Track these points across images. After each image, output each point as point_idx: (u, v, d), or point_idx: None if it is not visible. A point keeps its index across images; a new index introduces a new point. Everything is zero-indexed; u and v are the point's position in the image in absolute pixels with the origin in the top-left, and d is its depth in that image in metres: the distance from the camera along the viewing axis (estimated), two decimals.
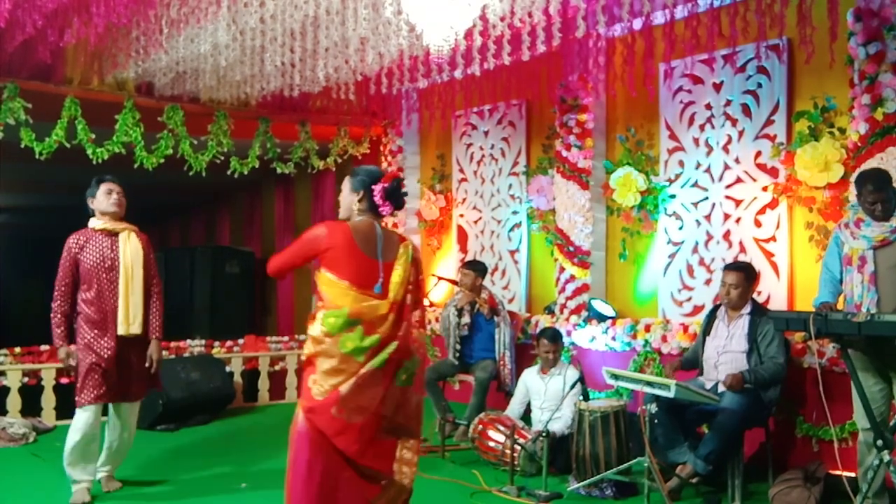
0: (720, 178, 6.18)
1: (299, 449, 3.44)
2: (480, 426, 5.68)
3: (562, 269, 7.07)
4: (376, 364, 3.41)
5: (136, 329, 4.90)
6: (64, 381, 7.34)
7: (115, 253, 4.92)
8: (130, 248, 4.96)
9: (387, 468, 3.54)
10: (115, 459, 5.17)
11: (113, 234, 4.95)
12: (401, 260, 3.63)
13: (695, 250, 6.35)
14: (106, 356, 4.83)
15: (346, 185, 3.75)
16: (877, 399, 4.22)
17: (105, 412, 5.02)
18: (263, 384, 8.26)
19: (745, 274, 5.09)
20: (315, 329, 3.46)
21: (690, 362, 5.33)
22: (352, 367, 3.39)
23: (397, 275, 3.58)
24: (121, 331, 4.86)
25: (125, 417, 5.08)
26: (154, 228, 16.87)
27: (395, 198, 3.73)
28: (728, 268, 5.17)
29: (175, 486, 5.25)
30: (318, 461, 3.42)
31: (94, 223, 4.94)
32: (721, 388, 4.89)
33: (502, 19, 4.99)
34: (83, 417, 4.84)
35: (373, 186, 3.64)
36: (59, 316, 4.87)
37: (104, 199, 4.93)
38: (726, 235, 6.14)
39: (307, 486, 3.40)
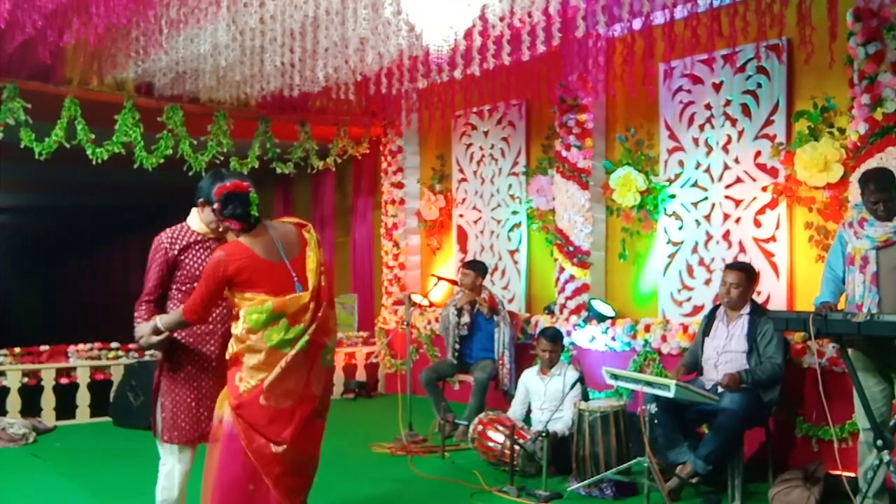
0: (720, 178, 6.18)
1: (226, 450, 3.48)
2: (480, 426, 5.68)
3: (561, 269, 7.07)
4: (300, 347, 3.46)
5: None
6: (64, 381, 7.35)
7: None
8: None
9: (316, 451, 3.64)
10: None
11: (218, 241, 3.94)
12: (310, 245, 3.65)
13: (694, 250, 6.35)
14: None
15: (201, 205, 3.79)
16: (878, 399, 4.22)
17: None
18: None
19: (746, 274, 5.10)
20: (238, 328, 3.47)
21: (690, 365, 5.32)
22: (277, 359, 3.44)
23: (311, 261, 3.60)
24: None
25: None
26: (154, 229, 16.86)
27: (236, 212, 3.57)
28: (729, 267, 5.18)
29: None
30: (246, 466, 3.46)
31: (196, 225, 3.92)
32: (721, 388, 4.89)
33: (502, 19, 4.99)
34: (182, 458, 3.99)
35: (214, 203, 3.62)
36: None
37: (208, 218, 3.86)
38: (726, 235, 6.14)
39: (231, 489, 3.47)
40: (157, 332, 3.70)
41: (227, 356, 3.55)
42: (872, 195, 4.23)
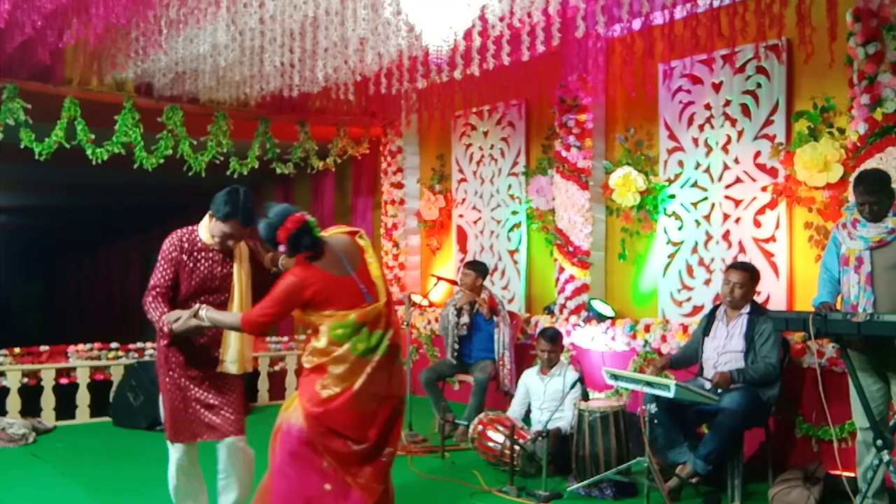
0: (719, 179, 6.18)
1: (294, 453, 3.56)
2: (480, 426, 5.68)
3: (561, 270, 7.07)
4: (381, 352, 3.59)
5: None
6: (63, 381, 7.35)
7: (224, 273, 4.03)
8: (245, 271, 4.09)
9: (396, 447, 3.77)
10: None
11: (222, 252, 4.05)
12: (367, 252, 3.73)
13: (694, 250, 6.35)
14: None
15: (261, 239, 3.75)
16: (875, 398, 4.23)
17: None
18: (263, 384, 8.27)
19: (749, 274, 5.11)
20: (321, 342, 3.55)
21: (680, 362, 5.32)
22: (362, 366, 3.56)
23: (374, 268, 3.70)
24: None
25: None
26: (154, 229, 16.87)
27: (299, 246, 3.60)
28: (733, 267, 5.19)
29: None
30: (314, 469, 3.55)
31: (204, 234, 3.99)
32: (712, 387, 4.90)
33: (501, 19, 4.99)
34: None
35: (278, 246, 3.62)
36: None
37: (219, 235, 3.95)
38: (726, 235, 6.14)
39: (298, 491, 3.53)
40: (197, 318, 3.75)
41: (306, 366, 3.62)
42: (860, 196, 4.27)
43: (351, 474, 3.55)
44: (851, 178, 5.08)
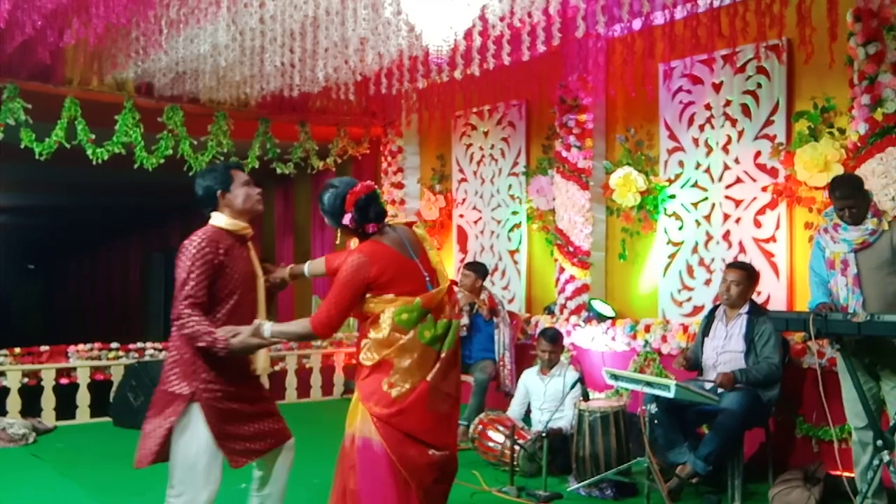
0: (720, 179, 6.18)
1: (370, 468, 3.18)
2: (480, 426, 5.68)
3: (562, 270, 7.07)
4: (449, 345, 3.29)
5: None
6: (64, 381, 7.35)
7: (252, 270, 3.66)
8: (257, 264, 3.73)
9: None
10: None
11: (244, 241, 3.65)
12: (426, 242, 3.50)
13: (694, 250, 6.35)
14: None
15: (329, 221, 3.49)
16: (867, 398, 4.23)
17: None
18: (263, 384, 8.25)
19: (746, 273, 5.12)
20: (382, 331, 3.23)
21: (693, 363, 5.32)
22: (430, 357, 3.23)
23: (434, 255, 3.46)
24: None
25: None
26: (154, 229, 16.88)
27: (366, 214, 3.36)
28: (730, 266, 5.21)
29: None
30: (405, 483, 3.18)
31: (226, 223, 3.57)
32: (715, 387, 4.89)
33: (502, 19, 4.99)
34: None
35: (343, 217, 3.37)
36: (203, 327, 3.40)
37: (242, 193, 3.60)
38: (726, 236, 6.14)
39: None
40: (259, 335, 3.36)
41: (365, 363, 3.27)
42: (838, 202, 4.32)
43: (423, 488, 3.19)
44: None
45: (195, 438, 3.40)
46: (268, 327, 3.35)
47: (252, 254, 3.66)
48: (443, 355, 3.25)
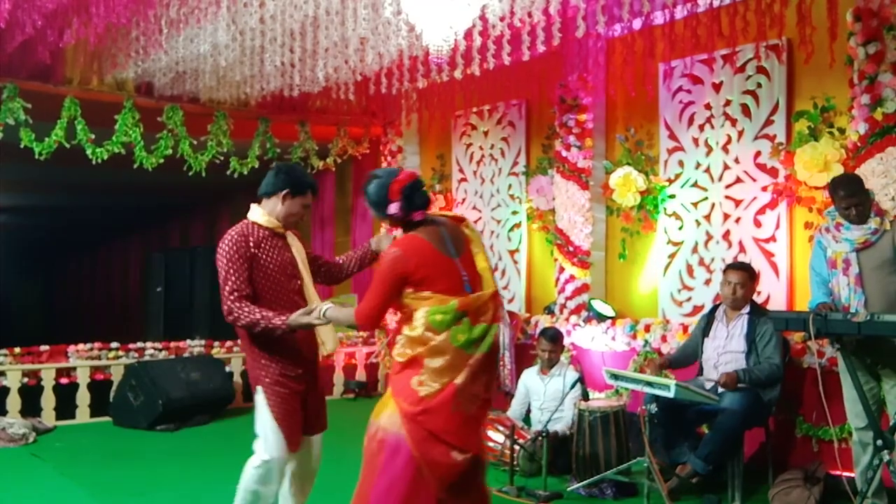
0: (720, 178, 6.18)
1: (397, 464, 3.18)
2: None
3: (561, 269, 7.07)
4: (484, 349, 3.24)
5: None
6: (64, 381, 7.35)
7: (290, 257, 3.81)
8: (298, 250, 3.88)
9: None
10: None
11: (281, 236, 3.81)
12: (474, 242, 3.42)
13: (694, 250, 6.35)
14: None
15: (372, 210, 3.43)
16: (868, 398, 4.23)
17: None
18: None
19: (748, 273, 5.13)
20: (416, 329, 3.21)
21: (679, 361, 5.33)
22: (462, 359, 3.20)
23: (481, 259, 3.39)
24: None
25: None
26: (154, 229, 16.89)
27: (412, 203, 3.34)
28: (732, 267, 5.19)
29: (175, 487, 5.24)
30: (421, 481, 3.17)
31: (261, 218, 3.75)
32: (721, 389, 4.89)
33: (502, 19, 4.99)
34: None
35: (389, 206, 3.31)
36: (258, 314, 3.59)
37: (293, 208, 3.76)
38: (726, 235, 6.14)
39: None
40: (316, 317, 3.47)
41: (398, 360, 3.27)
42: (843, 201, 4.30)
43: (445, 490, 3.18)
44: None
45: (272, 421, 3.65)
46: (324, 308, 3.44)
47: (289, 242, 3.80)
48: (475, 359, 3.21)
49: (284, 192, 3.69)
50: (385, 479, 3.19)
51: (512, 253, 7.94)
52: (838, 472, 4.58)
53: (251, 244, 3.62)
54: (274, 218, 3.72)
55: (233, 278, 3.57)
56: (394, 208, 3.29)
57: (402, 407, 3.19)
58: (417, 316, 3.21)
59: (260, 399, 3.65)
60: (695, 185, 6.34)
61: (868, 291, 4.26)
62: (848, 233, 4.32)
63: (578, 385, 5.39)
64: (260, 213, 3.72)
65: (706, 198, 6.27)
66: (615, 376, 4.86)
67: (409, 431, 3.17)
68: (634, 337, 6.42)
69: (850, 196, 4.28)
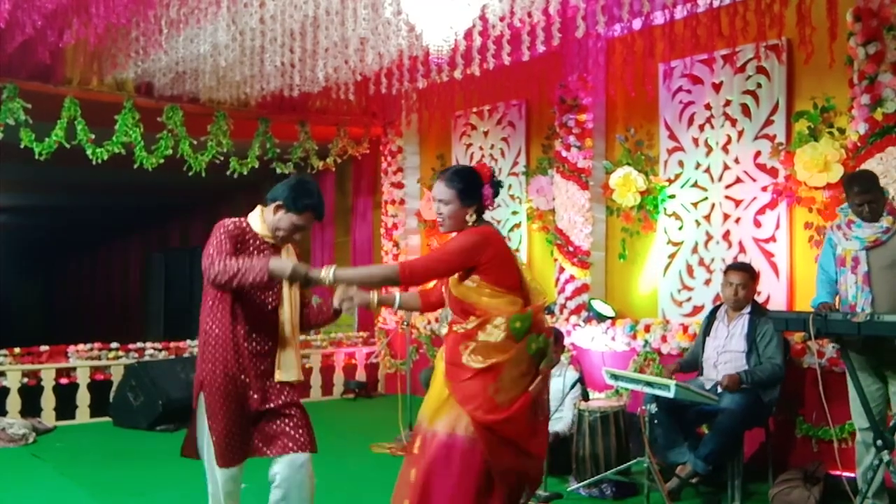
0: (720, 179, 6.18)
1: (471, 469, 3.14)
2: None
3: (561, 270, 7.07)
4: (549, 359, 3.32)
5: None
6: (63, 381, 7.36)
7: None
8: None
9: None
10: None
11: (274, 247, 3.57)
12: (517, 259, 3.48)
13: (694, 250, 6.35)
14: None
15: (453, 199, 3.32)
16: (874, 399, 4.23)
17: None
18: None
19: (749, 273, 5.14)
20: (498, 336, 3.19)
21: (689, 364, 5.33)
22: (533, 368, 3.24)
23: (526, 272, 3.45)
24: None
25: None
26: (154, 229, 16.89)
27: (497, 191, 3.41)
28: (733, 268, 5.18)
29: (175, 486, 5.24)
30: (490, 487, 3.17)
31: (255, 223, 3.55)
32: (720, 389, 4.89)
33: (502, 19, 4.99)
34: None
35: (483, 192, 3.33)
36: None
37: (283, 223, 3.49)
38: (726, 235, 6.14)
39: None
40: (314, 275, 3.22)
41: (473, 365, 3.20)
42: (857, 197, 4.26)
43: (508, 494, 3.19)
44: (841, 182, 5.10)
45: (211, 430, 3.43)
46: (332, 271, 3.18)
47: (283, 254, 3.55)
48: (542, 368, 3.26)
49: (278, 203, 3.47)
50: (457, 485, 3.14)
51: None
52: (838, 472, 4.58)
53: (239, 237, 3.44)
54: (267, 229, 3.51)
55: (217, 248, 3.37)
56: (487, 191, 3.30)
57: (475, 414, 3.14)
58: (497, 322, 3.20)
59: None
60: (695, 185, 6.34)
61: (876, 291, 4.22)
62: (859, 231, 4.28)
63: (578, 385, 5.39)
64: (257, 217, 3.54)
65: (706, 198, 6.27)
66: (615, 376, 4.86)
67: (484, 438, 3.13)
68: (634, 337, 6.42)
69: (865, 193, 4.23)
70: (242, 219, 3.55)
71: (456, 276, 3.29)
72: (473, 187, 3.32)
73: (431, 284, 3.69)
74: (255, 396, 3.44)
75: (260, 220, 3.53)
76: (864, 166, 4.95)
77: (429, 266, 3.23)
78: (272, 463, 3.47)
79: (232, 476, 3.52)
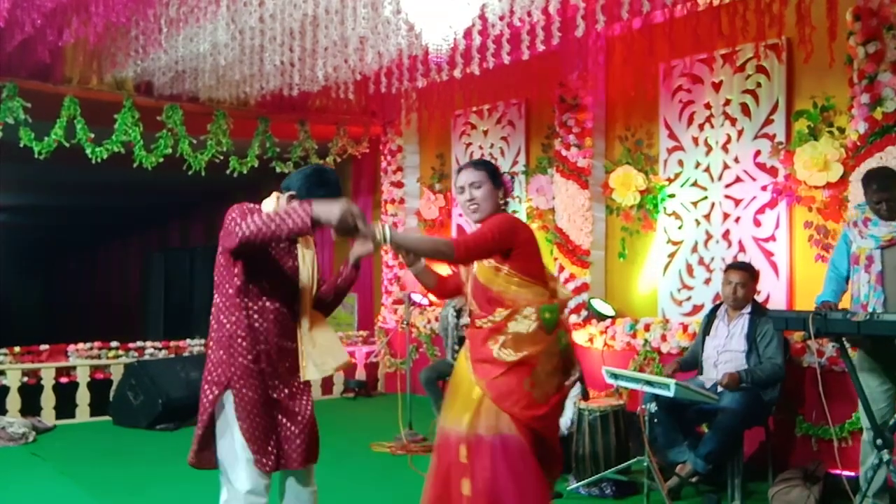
0: (719, 178, 6.18)
1: (528, 465, 3.04)
2: None
3: (561, 269, 7.07)
4: (572, 356, 3.27)
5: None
6: (63, 380, 7.36)
7: (293, 266, 3.34)
8: (306, 264, 3.37)
9: None
10: None
11: (291, 239, 3.31)
12: None
13: (694, 250, 6.35)
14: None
15: (485, 180, 3.25)
16: (881, 399, 4.20)
17: None
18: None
19: (749, 273, 5.13)
20: (529, 326, 3.09)
21: (689, 364, 5.33)
22: (560, 363, 3.16)
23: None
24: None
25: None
26: (154, 229, 16.88)
27: (513, 185, 3.48)
28: (733, 267, 5.18)
29: (175, 486, 5.24)
30: (544, 478, 3.12)
31: (268, 209, 3.30)
32: (720, 388, 4.89)
33: (501, 18, 5.00)
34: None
35: (503, 180, 3.32)
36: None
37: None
38: (726, 235, 6.14)
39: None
40: (371, 233, 2.92)
41: (506, 359, 3.08)
42: (875, 195, 4.22)
43: (547, 489, 3.16)
44: (852, 178, 5.10)
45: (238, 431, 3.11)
46: (386, 229, 2.92)
47: (300, 251, 3.35)
48: (571, 363, 3.23)
49: (291, 192, 3.26)
50: (517, 484, 3.03)
51: None
52: (838, 472, 4.58)
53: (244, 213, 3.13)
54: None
55: (242, 214, 3.08)
56: (508, 181, 3.32)
57: (513, 411, 3.03)
58: (527, 312, 3.10)
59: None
60: (694, 184, 6.34)
61: (888, 290, 4.18)
62: (875, 229, 4.24)
63: (578, 384, 5.39)
64: (272, 204, 3.29)
65: (706, 197, 6.27)
66: (615, 375, 4.86)
67: (525, 434, 3.05)
68: (634, 336, 6.42)
69: (883, 190, 4.19)
70: (256, 205, 3.30)
71: (485, 262, 3.18)
72: (498, 173, 3.32)
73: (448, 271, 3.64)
74: (285, 391, 3.18)
75: (275, 207, 3.30)
76: (863, 165, 4.95)
77: (479, 244, 3.08)
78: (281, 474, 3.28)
79: (264, 486, 3.15)
